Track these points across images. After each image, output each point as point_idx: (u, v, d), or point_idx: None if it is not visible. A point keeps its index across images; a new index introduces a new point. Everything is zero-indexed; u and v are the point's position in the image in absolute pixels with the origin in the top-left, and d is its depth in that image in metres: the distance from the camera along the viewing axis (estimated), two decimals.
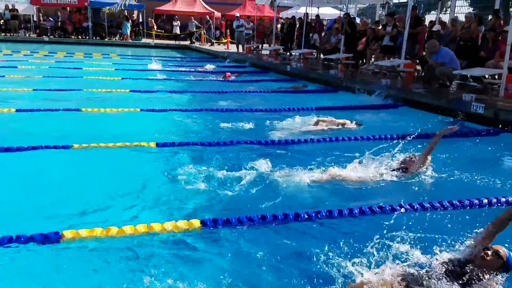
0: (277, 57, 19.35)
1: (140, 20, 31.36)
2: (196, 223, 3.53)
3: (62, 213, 3.70)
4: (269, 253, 3.21)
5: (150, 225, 3.44)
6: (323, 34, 18.23)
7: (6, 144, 5.37)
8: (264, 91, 11.21)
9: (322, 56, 17.41)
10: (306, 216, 3.69)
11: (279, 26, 22.76)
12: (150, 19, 30.68)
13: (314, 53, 18.04)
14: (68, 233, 3.17)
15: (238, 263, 3.14)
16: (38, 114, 7.36)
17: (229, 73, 14.16)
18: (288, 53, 20.01)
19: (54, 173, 4.77)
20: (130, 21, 29.80)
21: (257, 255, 3.19)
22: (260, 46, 23.43)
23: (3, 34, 28.26)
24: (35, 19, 30.44)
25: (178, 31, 31.23)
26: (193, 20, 30.96)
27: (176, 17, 31.44)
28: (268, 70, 16.57)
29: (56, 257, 3.08)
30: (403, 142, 5.17)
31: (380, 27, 14.77)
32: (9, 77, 11.76)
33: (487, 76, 9.97)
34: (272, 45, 21.76)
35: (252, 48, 22.80)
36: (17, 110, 7.45)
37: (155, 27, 30.83)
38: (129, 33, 29.42)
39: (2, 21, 28.88)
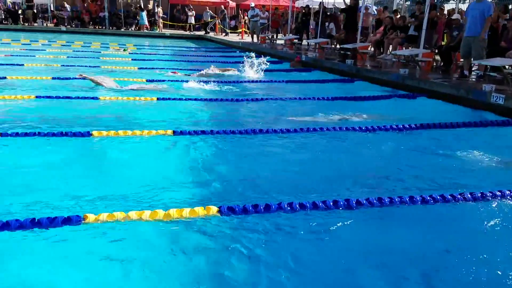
0: (291, 47, 19.25)
1: (156, 10, 31.42)
2: (213, 209, 3.56)
3: (83, 198, 3.76)
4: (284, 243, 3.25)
5: (168, 212, 3.48)
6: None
7: (25, 129, 5.48)
8: (279, 81, 11.22)
9: (338, 45, 17.26)
10: (324, 207, 3.68)
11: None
12: (159, 8, 30.58)
13: (329, 43, 17.90)
14: (89, 217, 3.22)
15: (255, 251, 3.17)
16: (57, 102, 7.47)
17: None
18: (303, 43, 19.88)
19: (74, 160, 4.84)
20: (145, 11, 29.83)
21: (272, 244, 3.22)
22: (274, 36, 23.33)
23: (21, 24, 28.61)
24: (52, 8, 30.71)
25: (193, 21, 31.22)
26: (207, 10, 30.90)
27: (191, 7, 31.42)
28: (282, 59, 16.48)
29: (77, 240, 3.15)
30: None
31: (398, 16, 14.59)
32: (28, 66, 11.91)
33: (507, 66, 9.78)
34: (287, 34, 21.63)
35: (266, 38, 22.70)
36: (36, 97, 7.55)
37: (161, 15, 30.60)
38: (146, 23, 29.40)
39: (20, 11, 29.23)
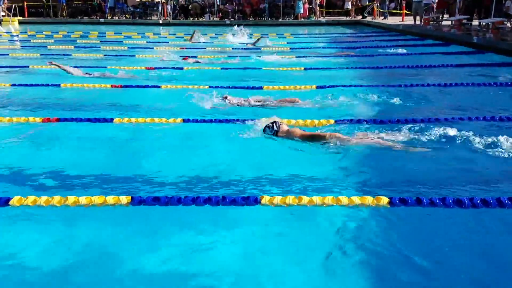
0: (460, 28, 17.56)
1: None
2: (384, 200, 3.47)
3: (257, 181, 4.04)
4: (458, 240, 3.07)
5: (338, 198, 3.51)
6: None
7: (203, 116, 6.07)
8: (447, 65, 10.40)
9: None
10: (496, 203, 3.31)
11: None
12: None
13: (506, 22, 15.86)
14: (264, 199, 3.44)
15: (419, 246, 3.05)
16: (227, 91, 8.05)
17: None
18: (473, 23, 17.97)
19: (243, 145, 5.19)
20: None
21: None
22: (440, 16, 21.52)
23: (191, 18, 31.69)
24: (218, 3, 33.21)
25: (349, 7, 30.68)
26: None
27: None
28: (449, 42, 15.19)
29: (254, 219, 3.41)
30: None
31: None
32: (201, 57, 13.02)
33: None
34: (456, 15, 19.77)
35: (431, 19, 21.07)
36: (209, 87, 8.25)
37: (318, 2, 30.55)
38: (302, 12, 29.84)
39: (190, 6, 32.42)
